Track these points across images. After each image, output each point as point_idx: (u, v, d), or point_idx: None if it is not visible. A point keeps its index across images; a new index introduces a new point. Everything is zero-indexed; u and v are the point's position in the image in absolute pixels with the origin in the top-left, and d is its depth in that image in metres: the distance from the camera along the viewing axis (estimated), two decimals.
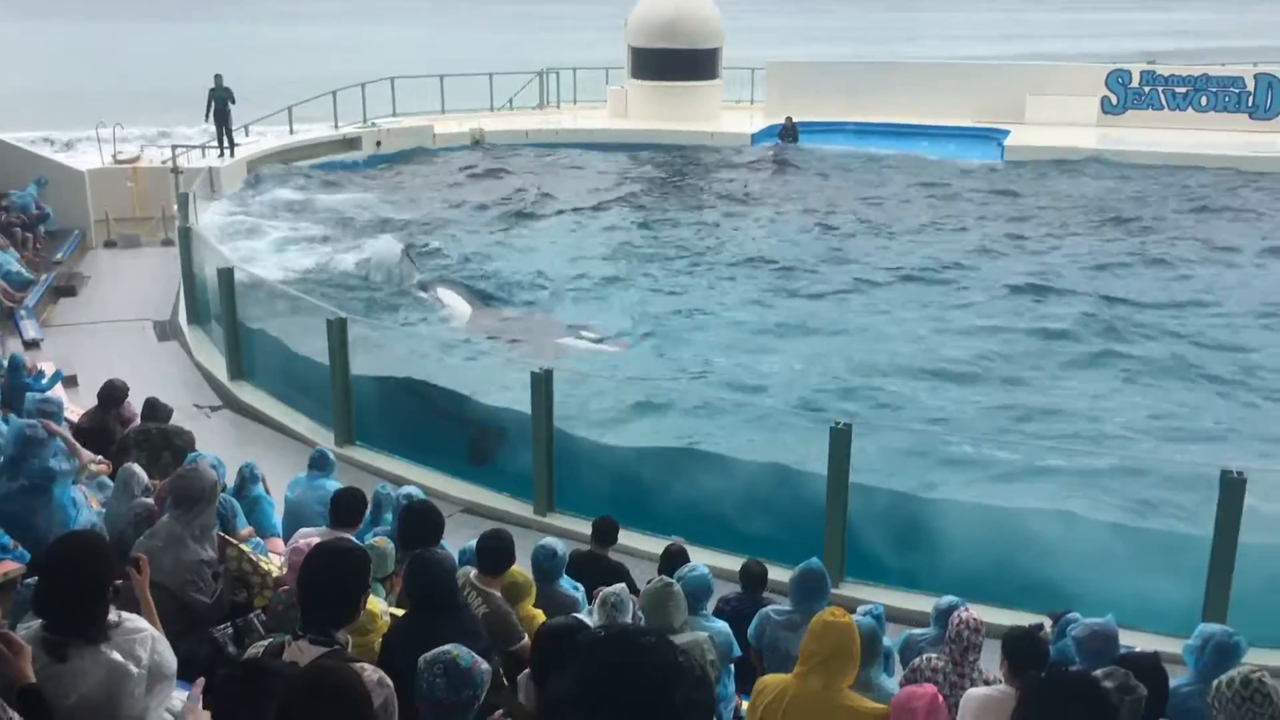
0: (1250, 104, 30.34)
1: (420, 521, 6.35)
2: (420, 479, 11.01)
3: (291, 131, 28.51)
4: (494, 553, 6.13)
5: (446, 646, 3.95)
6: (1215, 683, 4.50)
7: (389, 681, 3.73)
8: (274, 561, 6.40)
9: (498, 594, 6.02)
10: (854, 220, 23.32)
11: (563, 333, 16.10)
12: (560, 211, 24.11)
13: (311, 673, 3.12)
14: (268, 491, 8.95)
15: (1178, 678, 5.96)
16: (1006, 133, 30.02)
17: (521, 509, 11.45)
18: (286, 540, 7.80)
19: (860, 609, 6.93)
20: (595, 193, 25.82)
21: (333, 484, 8.93)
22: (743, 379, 14.88)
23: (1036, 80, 32.21)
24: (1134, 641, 7.59)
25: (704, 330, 16.92)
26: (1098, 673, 4.84)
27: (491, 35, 78.37)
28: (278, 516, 8.82)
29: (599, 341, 15.80)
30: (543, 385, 11.05)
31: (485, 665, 3.93)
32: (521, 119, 33.27)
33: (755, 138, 31.03)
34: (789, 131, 30.46)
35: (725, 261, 20.43)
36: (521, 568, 6.52)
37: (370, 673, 3.56)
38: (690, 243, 21.81)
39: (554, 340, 15.69)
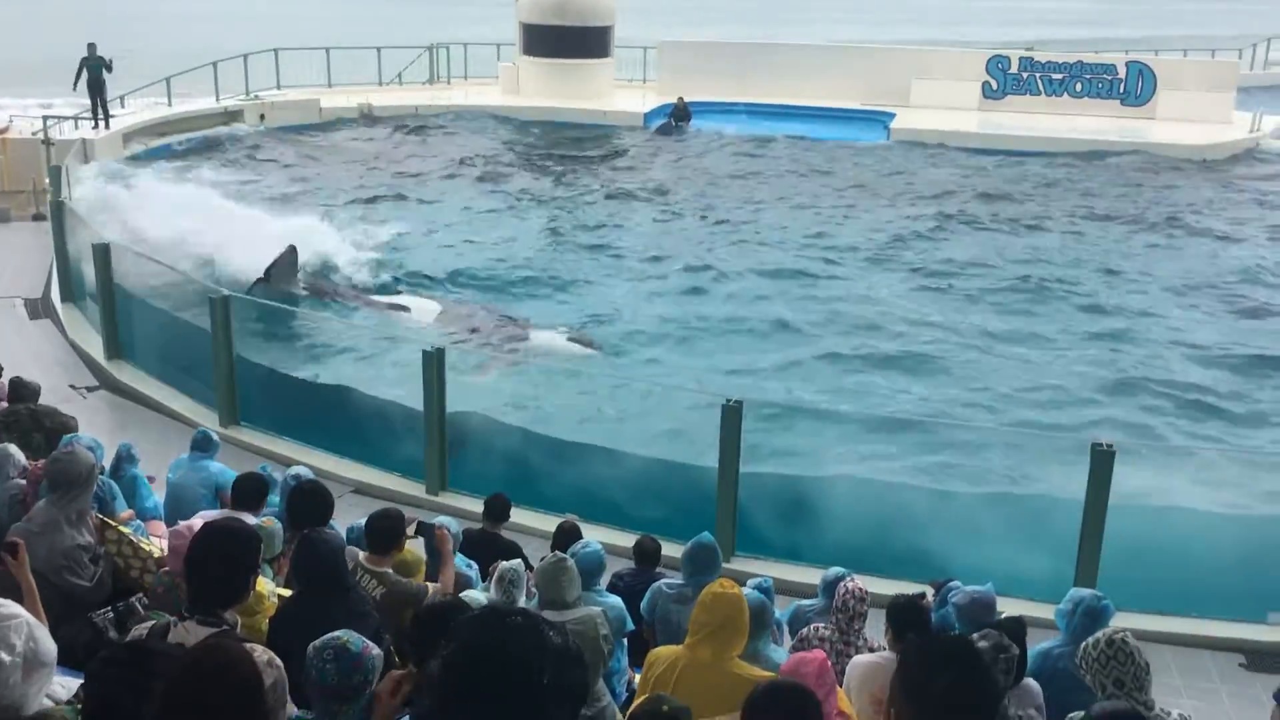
0: (1122, 90, 31.46)
1: (308, 502, 6.26)
2: (309, 460, 10.84)
3: (170, 104, 27.60)
4: (383, 532, 6.07)
5: (337, 633, 3.90)
6: (1083, 644, 4.72)
7: (279, 662, 3.68)
8: (155, 544, 6.25)
9: (390, 572, 5.98)
10: (743, 200, 23.57)
11: (534, 329, 15.43)
12: (449, 188, 23.85)
13: (200, 653, 3.06)
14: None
15: (1049, 640, 6.21)
16: (892, 115, 30.63)
17: (413, 488, 11.37)
18: (169, 523, 7.61)
19: (750, 582, 7.06)
20: (487, 171, 25.59)
21: (215, 465, 8.74)
22: (638, 358, 14.98)
23: (921, 65, 32.94)
24: (1011, 608, 7.91)
25: (608, 312, 16.93)
26: (973, 635, 5.02)
27: (381, 9, 76.83)
28: (158, 498, 8.61)
29: (583, 342, 15.18)
30: (434, 364, 10.96)
31: (376, 650, 3.90)
32: (411, 94, 32.76)
33: (648, 117, 31.08)
34: (680, 112, 30.58)
35: (622, 243, 20.48)
36: (413, 546, 6.49)
37: (260, 653, 3.51)
38: (586, 223, 21.79)
39: (530, 337, 15.16)
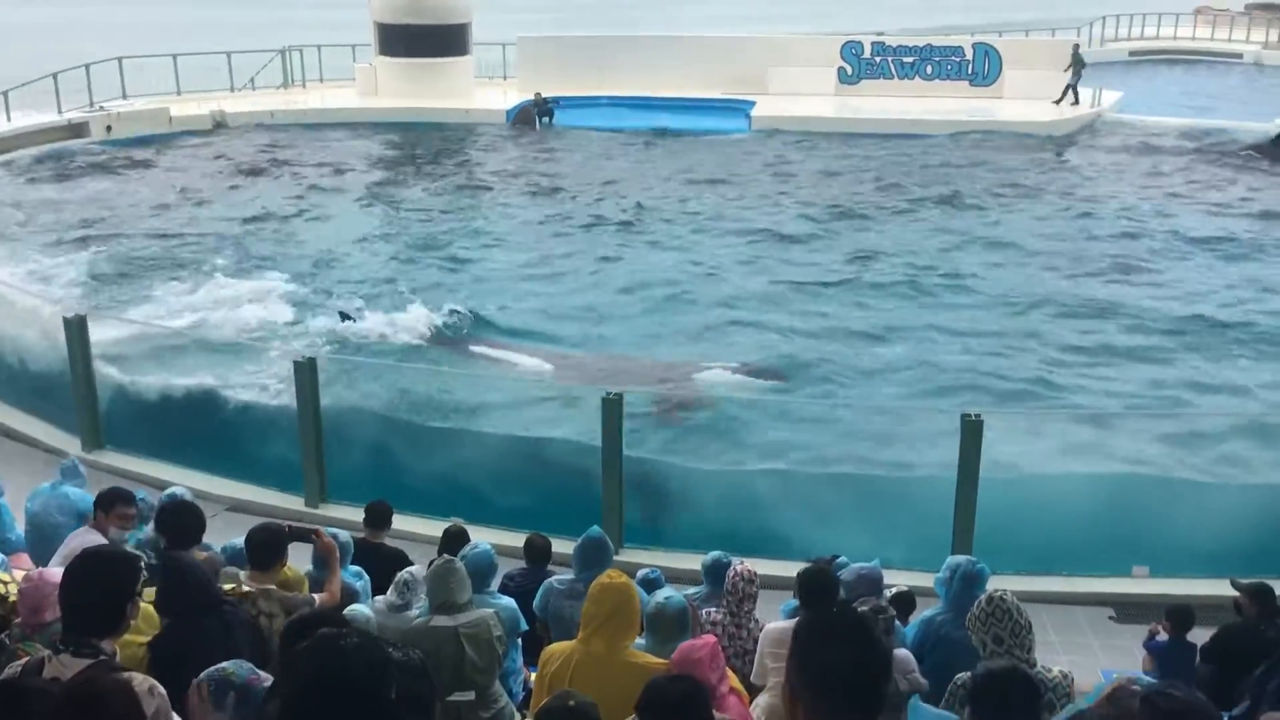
0: (970, 71, 32.50)
1: (177, 520, 6.05)
2: (181, 480, 10.48)
3: (9, 119, 26.34)
4: (263, 546, 5.88)
5: (224, 664, 3.78)
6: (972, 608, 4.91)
7: (161, 690, 3.56)
8: (18, 577, 5.96)
9: (274, 589, 5.82)
10: (609, 194, 23.62)
11: (702, 369, 14.28)
12: (312, 197, 23.33)
13: (76, 687, 2.94)
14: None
15: (931, 609, 6.40)
16: (752, 104, 31.07)
17: (292, 502, 11.10)
18: (31, 553, 7.29)
19: (640, 572, 7.10)
20: (352, 175, 25.14)
21: (76, 492, 8.36)
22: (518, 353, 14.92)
23: (777, 53, 33.47)
24: (895, 580, 8.13)
25: (479, 307, 16.81)
26: (856, 603, 5.16)
27: (229, 12, 74.61)
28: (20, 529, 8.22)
29: (765, 374, 14.17)
30: (307, 373, 10.73)
31: (265, 677, 3.77)
32: (265, 99, 31.89)
33: (510, 114, 30.89)
34: (539, 107, 30.43)
35: (494, 243, 20.37)
36: (294, 565, 6.32)
37: (140, 682, 3.39)
38: (456, 223, 21.58)
39: (697, 378, 14.03)
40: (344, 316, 15.34)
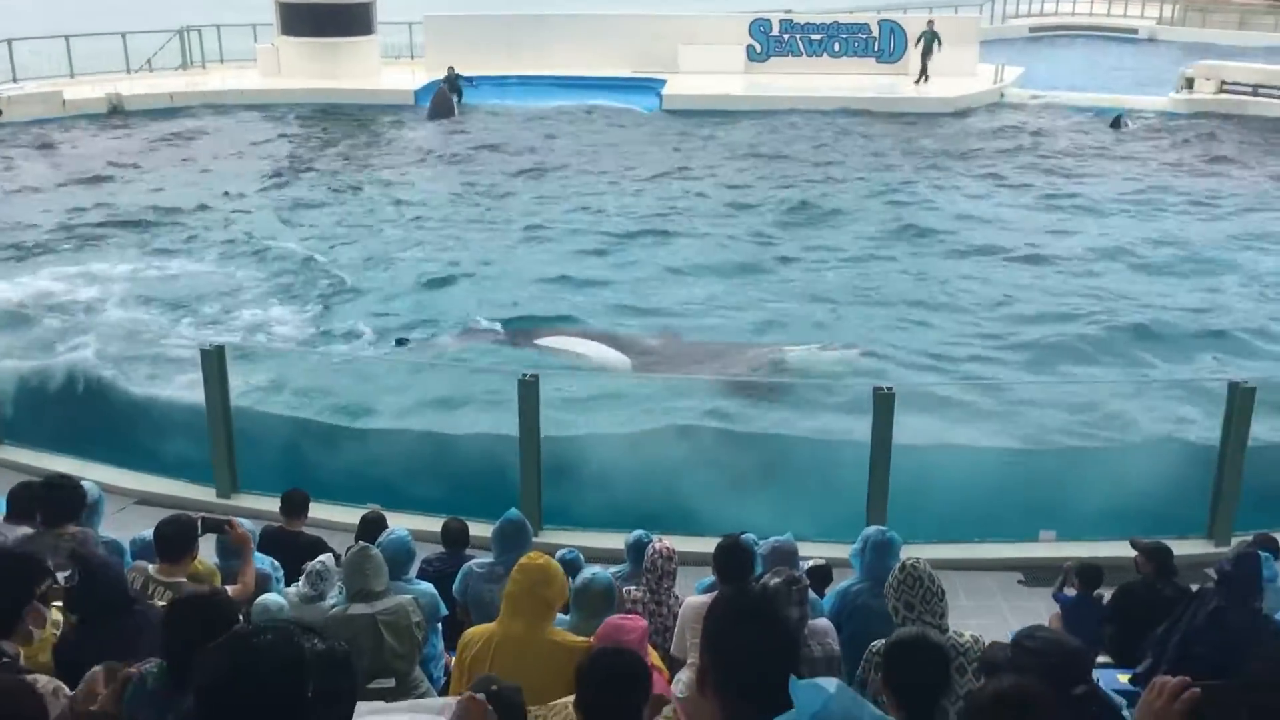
0: (876, 48, 32.90)
1: (55, 496, 5.90)
2: (87, 474, 10.18)
3: None
4: (172, 539, 5.76)
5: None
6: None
7: (68, 691, 3.48)
8: None
9: (185, 582, 5.71)
10: (526, 172, 23.48)
11: (788, 349, 14.17)
12: (215, 181, 22.80)
13: None
14: None
15: (847, 580, 6.51)
16: (663, 82, 31.09)
17: (203, 493, 10.87)
18: None
19: (559, 552, 7.11)
20: (259, 160, 24.57)
21: None
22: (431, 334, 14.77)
23: (687, 31, 33.51)
24: (813, 552, 8.26)
25: (394, 293, 16.62)
26: (767, 576, 5.22)
27: None
28: None
29: (828, 349, 14.06)
30: (215, 361, 10.50)
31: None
32: (164, 81, 31.06)
33: (419, 94, 30.48)
34: (451, 83, 30.05)
35: (408, 221, 20.13)
36: (204, 559, 6.20)
37: (45, 683, 3.31)
38: (363, 206, 21.26)
39: (787, 357, 13.87)
40: (400, 342, 14.75)
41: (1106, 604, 7.31)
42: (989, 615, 8.81)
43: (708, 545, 6.27)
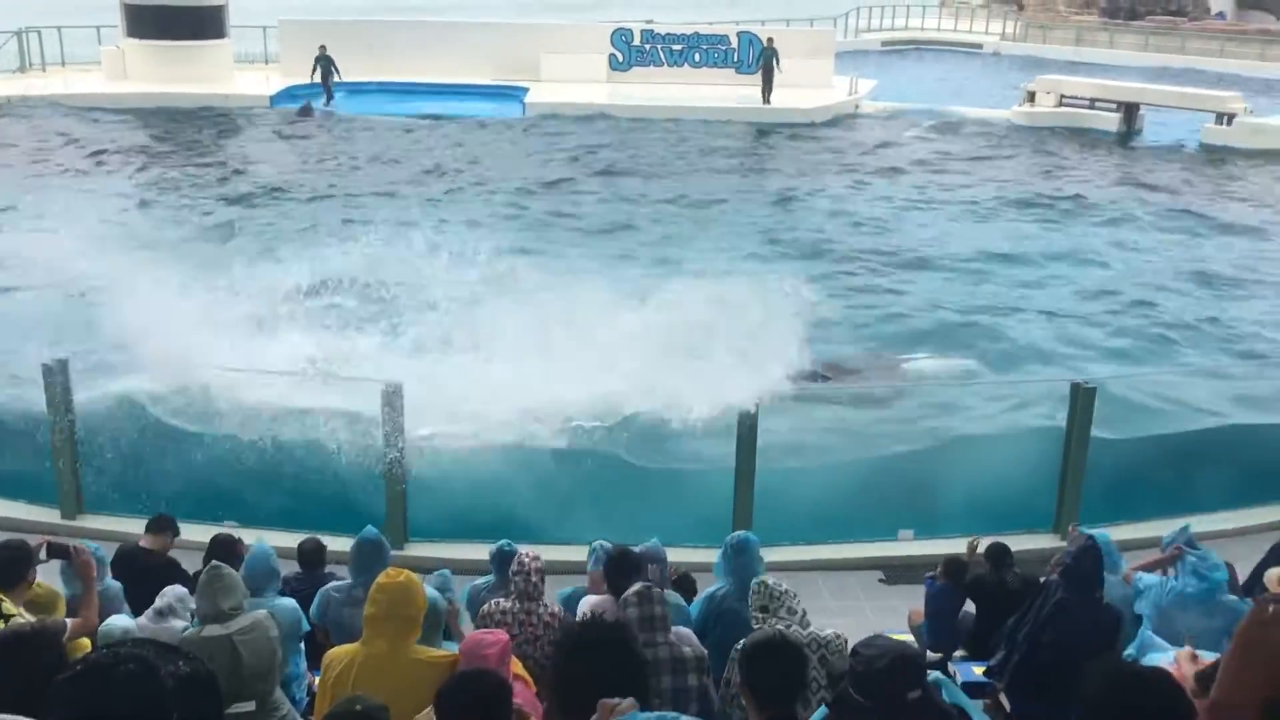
0: (735, 59, 33.45)
1: None
2: None
3: None
4: (4, 564, 5.43)
5: None
6: None
7: None
8: None
9: (17, 613, 5.40)
10: (391, 181, 23.11)
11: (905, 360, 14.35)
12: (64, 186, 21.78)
13: None
14: None
15: (714, 585, 6.58)
16: (526, 90, 31.01)
17: (46, 514, 10.36)
18: None
19: (427, 580, 7.02)
20: (103, 165, 23.59)
21: None
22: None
23: (549, 39, 33.54)
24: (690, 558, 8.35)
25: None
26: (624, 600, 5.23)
27: None
28: None
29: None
30: (58, 377, 10.02)
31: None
32: (2, 84, 29.57)
33: (274, 99, 29.74)
34: (324, 67, 29.51)
35: (272, 232, 19.55)
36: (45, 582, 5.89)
37: None
38: (227, 216, 20.59)
39: (903, 368, 14.06)
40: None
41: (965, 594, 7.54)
42: (852, 614, 9.00)
43: (576, 554, 6.27)
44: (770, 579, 5.24)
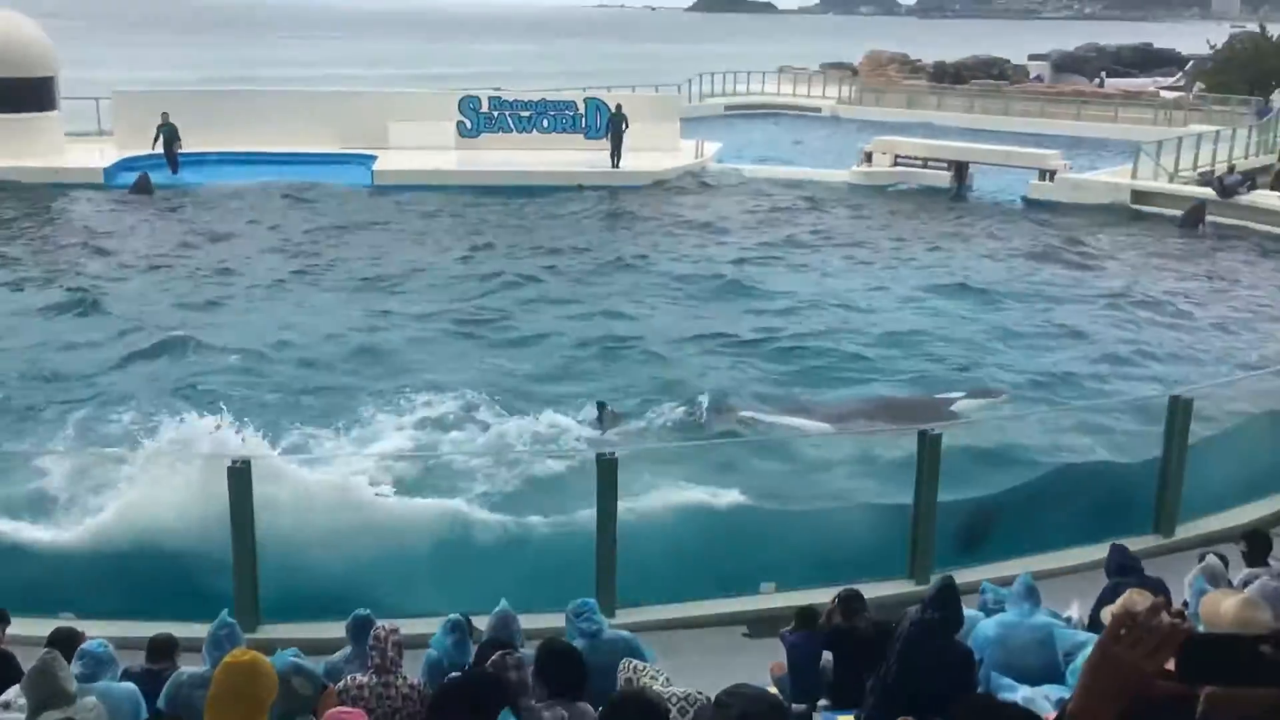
0: (583, 125, 33.91)
1: None
2: None
3: None
4: None
5: None
6: None
7: None
8: None
9: None
10: (230, 255, 22.55)
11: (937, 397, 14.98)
12: None
13: None
14: None
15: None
16: (374, 158, 30.79)
17: None
18: None
19: (279, 655, 6.78)
20: None
21: None
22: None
23: (397, 107, 33.46)
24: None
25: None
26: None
27: None
28: None
29: (988, 395, 15.13)
30: None
31: None
32: None
33: (108, 173, 28.78)
34: (167, 138, 28.76)
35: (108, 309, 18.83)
36: None
37: None
38: (42, 293, 19.73)
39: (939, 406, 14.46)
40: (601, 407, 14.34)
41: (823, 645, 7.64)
42: (717, 671, 9.02)
43: (428, 626, 6.16)
44: (639, 666, 5.20)
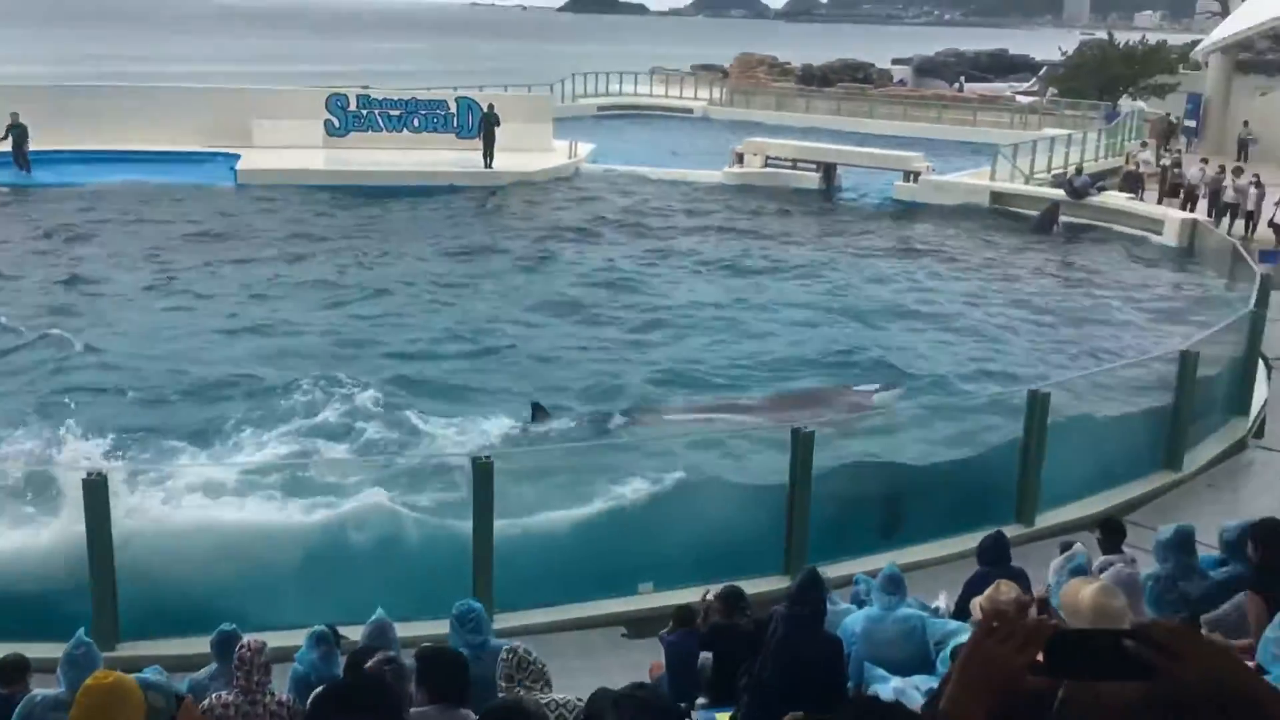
0: (455, 124, 33.52)
1: None
2: None
3: None
4: None
5: None
6: None
7: None
8: None
9: None
10: (83, 259, 21.63)
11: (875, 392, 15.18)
12: None
13: None
14: None
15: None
16: (238, 156, 29.91)
17: None
18: None
19: (142, 673, 6.52)
20: None
21: None
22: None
23: (261, 105, 32.56)
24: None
25: None
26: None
27: None
28: None
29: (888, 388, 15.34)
30: None
31: None
32: None
33: None
34: (16, 138, 27.41)
35: None
36: None
37: None
38: None
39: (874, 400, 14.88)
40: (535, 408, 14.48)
41: (701, 644, 7.69)
42: (597, 674, 9.01)
43: (299, 639, 6.00)
44: (520, 645, 5.13)
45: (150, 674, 6.05)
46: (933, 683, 5.96)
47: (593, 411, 14.92)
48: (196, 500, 10.83)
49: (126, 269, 21.10)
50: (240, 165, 29.38)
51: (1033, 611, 5.63)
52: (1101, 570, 6.63)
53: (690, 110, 51.29)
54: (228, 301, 19.30)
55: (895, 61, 64.93)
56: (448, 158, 31.61)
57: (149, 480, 10.84)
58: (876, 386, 15.42)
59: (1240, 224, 26.01)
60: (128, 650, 8.98)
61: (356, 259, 22.47)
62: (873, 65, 60.02)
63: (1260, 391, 14.99)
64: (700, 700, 7.29)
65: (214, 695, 5.61)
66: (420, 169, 30.14)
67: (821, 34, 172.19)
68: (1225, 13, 46.65)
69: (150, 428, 13.61)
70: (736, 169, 32.49)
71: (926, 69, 63.30)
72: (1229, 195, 26.51)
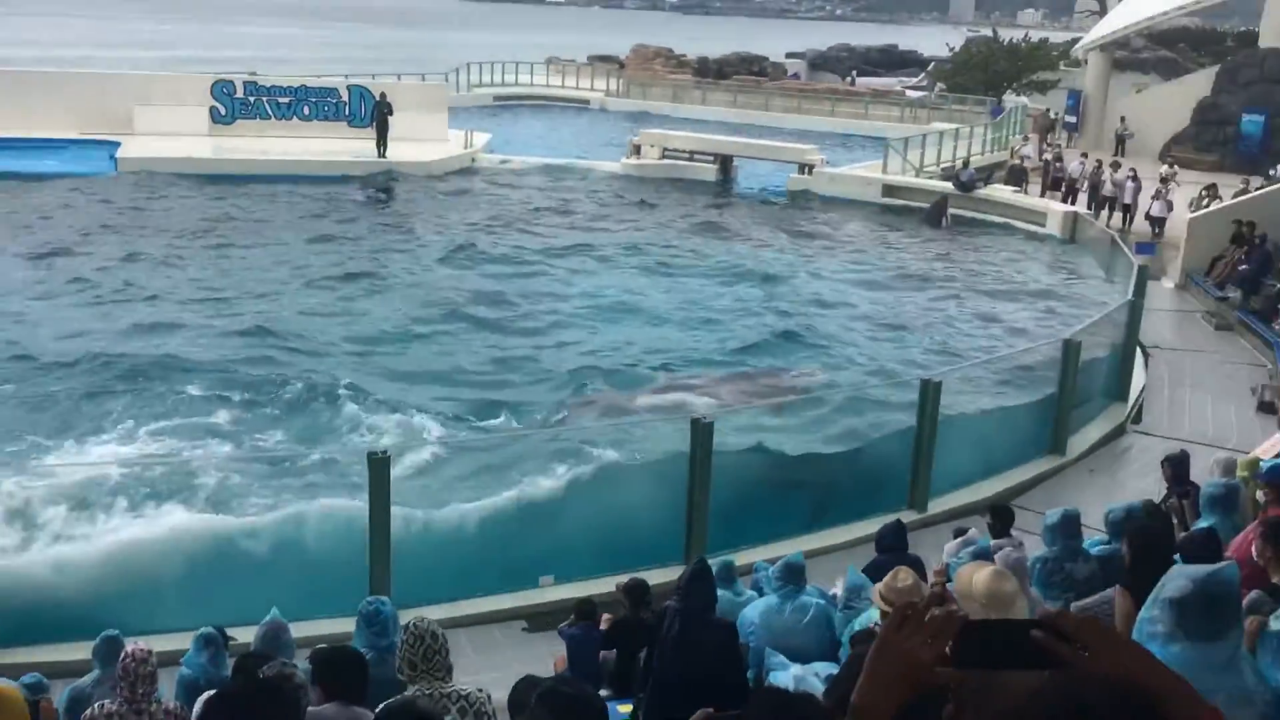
0: (347, 113, 32.88)
1: None
2: None
3: None
4: None
5: None
6: None
7: None
8: None
9: None
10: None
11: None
12: None
13: None
14: None
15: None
16: (118, 144, 28.90)
17: None
18: None
19: (21, 680, 6.30)
20: None
21: None
22: None
23: (142, 91, 31.54)
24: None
25: None
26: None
27: None
28: None
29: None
30: None
31: None
32: None
33: None
34: None
35: None
36: None
37: None
38: None
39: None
40: None
41: (602, 639, 7.67)
42: (498, 668, 8.91)
43: (187, 642, 5.81)
44: (430, 629, 4.97)
45: (27, 680, 5.82)
46: (833, 669, 6.02)
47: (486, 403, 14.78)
48: (73, 498, 10.43)
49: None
50: (120, 153, 28.38)
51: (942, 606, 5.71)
52: (991, 554, 6.78)
53: (587, 101, 51.20)
54: (104, 295, 18.60)
55: (789, 55, 65.72)
56: (339, 147, 30.99)
57: (11, 472, 10.39)
58: (814, 370, 15.98)
59: (1119, 216, 26.94)
60: (7, 657, 8.60)
61: (242, 250, 21.90)
62: (767, 59, 60.69)
63: (1138, 378, 15.52)
64: (603, 692, 7.27)
65: (96, 705, 5.38)
66: (311, 158, 29.49)
67: (715, 26, 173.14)
68: (1103, 12, 48.25)
69: (18, 424, 13.08)
70: (634, 160, 32.52)
71: (819, 63, 64.21)
72: (1108, 189, 27.44)
